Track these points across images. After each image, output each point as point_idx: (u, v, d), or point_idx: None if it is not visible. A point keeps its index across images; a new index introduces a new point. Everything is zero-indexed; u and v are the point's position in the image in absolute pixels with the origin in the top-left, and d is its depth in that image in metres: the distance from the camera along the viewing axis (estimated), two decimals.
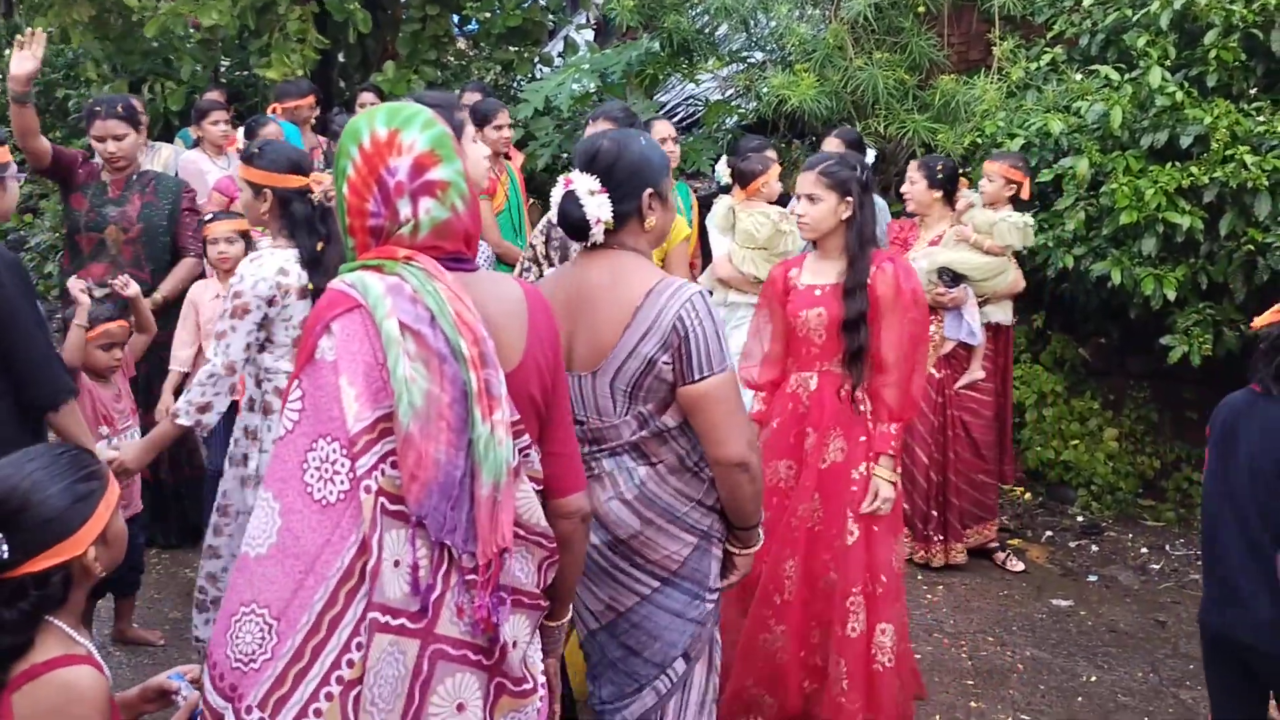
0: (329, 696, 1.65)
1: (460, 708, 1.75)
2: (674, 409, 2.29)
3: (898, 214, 5.18)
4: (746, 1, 5.56)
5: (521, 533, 1.81)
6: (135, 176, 4.62)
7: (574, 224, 2.30)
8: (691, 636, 2.39)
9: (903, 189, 4.83)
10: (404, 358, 1.67)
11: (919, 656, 3.90)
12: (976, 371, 4.71)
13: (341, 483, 1.66)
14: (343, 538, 1.66)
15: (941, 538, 4.73)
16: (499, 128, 5.14)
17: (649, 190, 2.30)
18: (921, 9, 5.52)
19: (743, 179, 4.69)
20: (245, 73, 8.83)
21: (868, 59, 5.38)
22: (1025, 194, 4.69)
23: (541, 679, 1.89)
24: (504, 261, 5.09)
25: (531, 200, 5.61)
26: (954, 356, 4.72)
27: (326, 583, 1.65)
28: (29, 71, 4.06)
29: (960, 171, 4.94)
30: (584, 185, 2.27)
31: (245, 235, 4.19)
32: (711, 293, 4.94)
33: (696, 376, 2.22)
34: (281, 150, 3.16)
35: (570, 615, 2.13)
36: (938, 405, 4.71)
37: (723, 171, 4.92)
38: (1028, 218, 4.70)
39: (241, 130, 5.46)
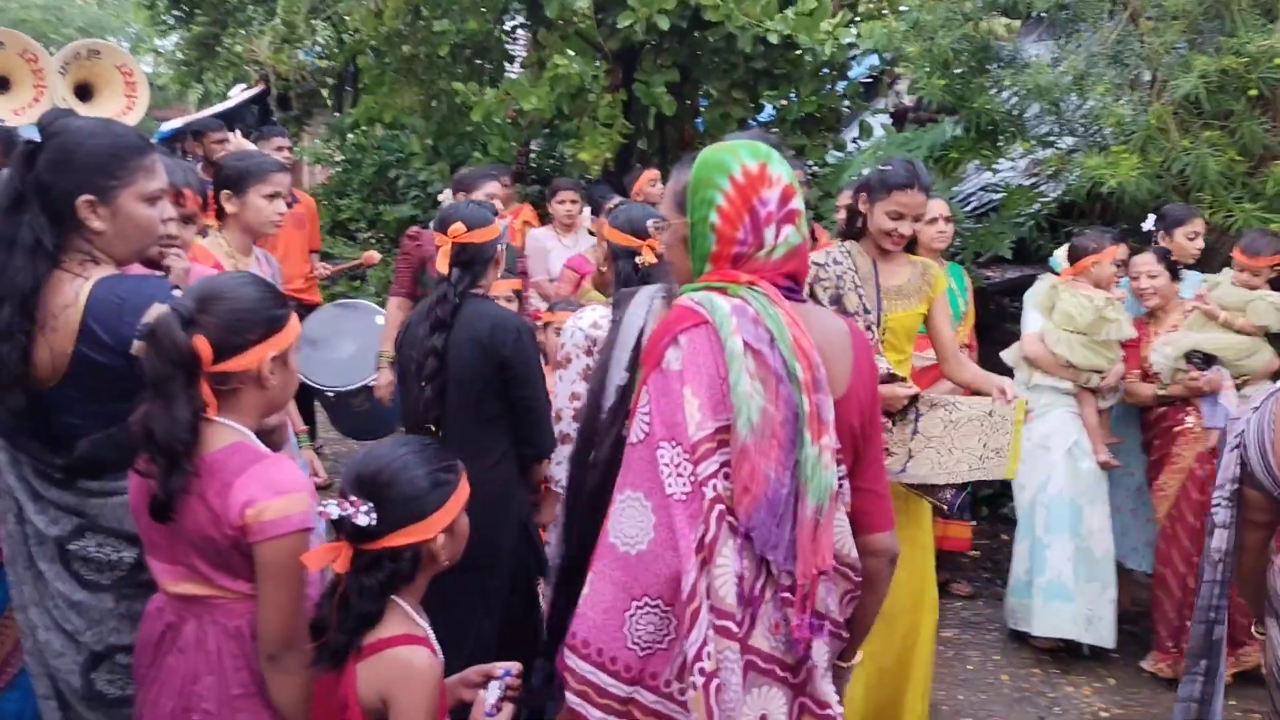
0: (694, 686, 1.70)
1: (763, 718, 1.76)
2: None
3: None
4: (1062, 82, 5.40)
5: (834, 562, 1.81)
6: None
7: None
8: None
9: (1141, 286, 4.60)
10: (745, 375, 1.74)
11: None
12: None
13: (684, 483, 1.73)
14: (691, 531, 1.72)
15: None
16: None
17: None
18: (1254, 92, 5.16)
19: (1073, 254, 4.58)
20: (552, 158, 9.52)
21: (1193, 140, 5.07)
22: None
23: (840, 709, 1.86)
24: None
25: None
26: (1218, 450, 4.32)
27: (689, 575, 1.71)
28: None
29: None
30: None
31: (518, 295, 4.40)
32: (1014, 373, 4.80)
33: None
34: (627, 212, 3.35)
35: (860, 659, 2.10)
36: (1198, 504, 4.32)
37: (1060, 259, 4.81)
38: None
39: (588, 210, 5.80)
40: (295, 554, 1.87)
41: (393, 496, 1.86)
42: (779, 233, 1.88)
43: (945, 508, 3.42)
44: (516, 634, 2.99)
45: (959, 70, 5.81)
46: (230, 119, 11.69)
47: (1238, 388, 4.32)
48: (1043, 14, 5.92)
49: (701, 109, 8.03)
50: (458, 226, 3.04)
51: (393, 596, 1.91)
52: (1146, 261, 4.59)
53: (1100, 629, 4.51)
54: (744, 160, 1.88)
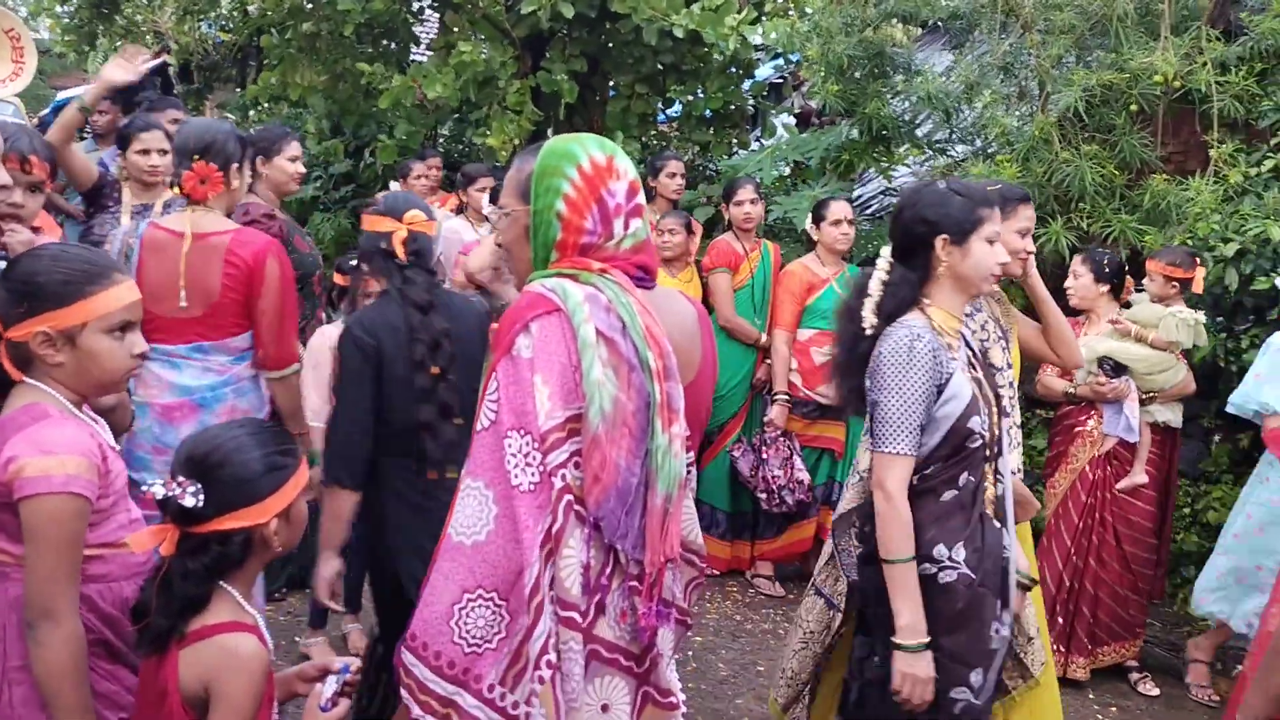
0: (540, 680, 1.70)
1: (605, 708, 1.76)
2: None
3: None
4: (951, 92, 5.53)
5: (680, 549, 1.83)
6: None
7: None
8: None
9: (1066, 284, 4.68)
10: (597, 363, 1.73)
11: None
12: (1139, 475, 4.45)
13: (533, 474, 1.72)
14: (536, 523, 1.71)
15: (1062, 649, 4.50)
16: (672, 175, 5.52)
17: None
18: (1135, 108, 5.35)
19: None
20: (460, 144, 9.40)
21: (1075, 153, 5.24)
22: (1197, 287, 4.48)
23: (682, 697, 1.88)
24: (733, 337, 5.21)
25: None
26: (1114, 456, 4.48)
27: (533, 568, 1.70)
28: (121, 83, 3.98)
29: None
30: None
31: None
32: None
33: None
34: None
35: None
36: (1085, 506, 4.49)
37: None
38: (1200, 315, 4.46)
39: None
40: (55, 518, 1.82)
41: (223, 478, 1.82)
42: (627, 225, 1.90)
43: None
44: None
45: (858, 75, 5.92)
46: (131, 90, 11.30)
47: (1144, 402, 4.45)
48: (939, 23, 6.05)
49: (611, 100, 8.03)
50: (416, 214, 2.93)
51: (221, 583, 1.87)
52: (1075, 262, 4.69)
53: None
54: (591, 151, 1.89)
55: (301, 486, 1.93)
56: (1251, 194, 5.04)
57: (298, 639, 4.26)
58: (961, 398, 2.44)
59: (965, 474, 2.47)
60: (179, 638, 1.83)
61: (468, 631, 1.71)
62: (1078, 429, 4.57)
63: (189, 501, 1.77)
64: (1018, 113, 5.85)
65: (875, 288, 2.55)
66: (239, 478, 1.83)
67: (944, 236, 2.49)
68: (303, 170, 4.45)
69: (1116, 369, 4.37)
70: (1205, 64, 5.17)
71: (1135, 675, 4.57)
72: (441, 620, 1.73)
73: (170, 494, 1.78)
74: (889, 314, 2.51)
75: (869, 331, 2.51)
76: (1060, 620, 4.50)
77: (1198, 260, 4.57)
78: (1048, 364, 4.63)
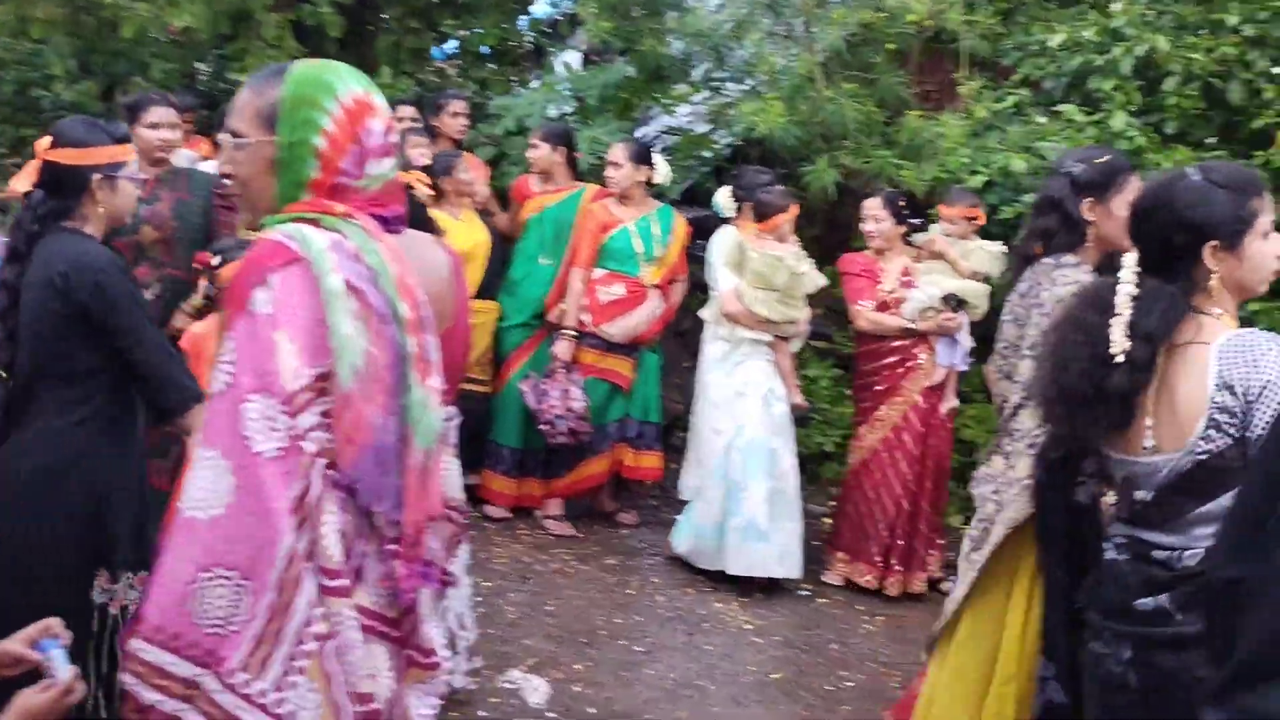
0: (308, 654, 1.60)
1: (370, 679, 1.69)
2: None
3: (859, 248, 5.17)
4: (720, 29, 5.60)
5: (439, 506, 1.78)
6: (165, 175, 4.25)
7: None
8: None
9: (866, 228, 4.88)
10: (347, 316, 1.62)
11: (851, 684, 3.87)
12: (952, 399, 4.79)
13: (280, 439, 1.59)
14: (284, 492, 1.59)
15: (903, 567, 4.79)
16: (455, 115, 5.55)
17: None
18: (893, 46, 5.58)
19: (763, 211, 4.72)
20: (223, 82, 8.86)
21: (837, 91, 5.42)
22: (981, 221, 4.83)
23: (444, 653, 1.85)
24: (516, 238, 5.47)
25: None
26: (936, 386, 4.75)
27: (285, 539, 1.58)
28: None
29: (926, 208, 5.04)
30: None
31: None
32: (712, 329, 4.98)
33: None
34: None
35: None
36: (920, 435, 4.75)
37: (724, 202, 4.95)
38: (1001, 246, 4.75)
39: None
40: None
41: None
42: (379, 165, 1.77)
43: None
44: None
45: (634, 13, 5.90)
46: None
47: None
48: None
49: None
50: (44, 141, 2.63)
51: None
52: (873, 205, 4.83)
53: (790, 562, 4.80)
54: (350, 84, 1.75)
55: None
56: (997, 129, 5.36)
57: None
58: None
59: None
60: None
61: (205, 612, 1.58)
62: (909, 362, 4.75)
63: None
64: (788, 53, 5.98)
65: (1124, 304, 2.08)
66: None
67: (1213, 243, 2.05)
68: (168, 137, 4.16)
69: (960, 304, 4.62)
70: (954, 4, 5.43)
71: (947, 583, 4.78)
72: (177, 602, 1.59)
73: None
74: (1148, 335, 2.05)
75: (1119, 359, 2.05)
76: (902, 543, 4.76)
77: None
78: (860, 298, 4.83)
